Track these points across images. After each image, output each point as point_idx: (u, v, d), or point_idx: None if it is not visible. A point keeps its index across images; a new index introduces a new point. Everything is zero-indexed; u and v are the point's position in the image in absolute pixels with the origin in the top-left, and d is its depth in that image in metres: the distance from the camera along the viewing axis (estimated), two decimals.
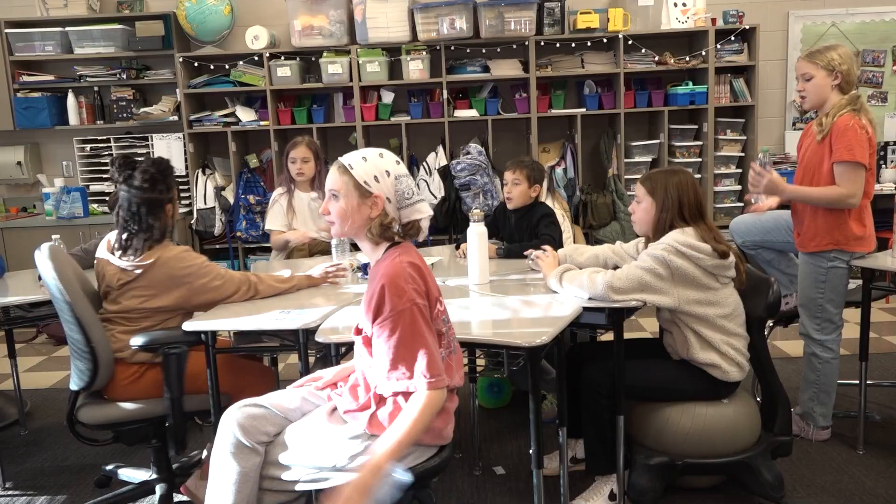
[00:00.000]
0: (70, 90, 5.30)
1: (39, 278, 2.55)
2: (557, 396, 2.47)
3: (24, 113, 5.21)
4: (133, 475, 2.80)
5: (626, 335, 2.51)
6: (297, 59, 5.12)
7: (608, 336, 2.58)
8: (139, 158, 2.53)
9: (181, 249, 2.53)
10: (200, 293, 2.50)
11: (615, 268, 2.76)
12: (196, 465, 2.91)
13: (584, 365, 2.66)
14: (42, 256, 2.34)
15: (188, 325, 2.37)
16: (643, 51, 5.09)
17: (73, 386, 2.46)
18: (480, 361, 3.03)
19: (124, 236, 2.48)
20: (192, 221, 5.20)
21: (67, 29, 5.18)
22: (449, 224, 5.12)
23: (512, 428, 3.35)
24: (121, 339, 2.45)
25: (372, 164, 1.87)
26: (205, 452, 2.91)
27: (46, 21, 5.22)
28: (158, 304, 2.47)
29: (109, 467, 2.90)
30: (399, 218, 1.89)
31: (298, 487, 1.87)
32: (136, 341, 2.36)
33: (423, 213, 1.91)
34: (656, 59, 5.09)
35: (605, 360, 2.59)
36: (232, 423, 1.88)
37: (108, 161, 5.27)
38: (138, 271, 2.45)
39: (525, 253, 2.96)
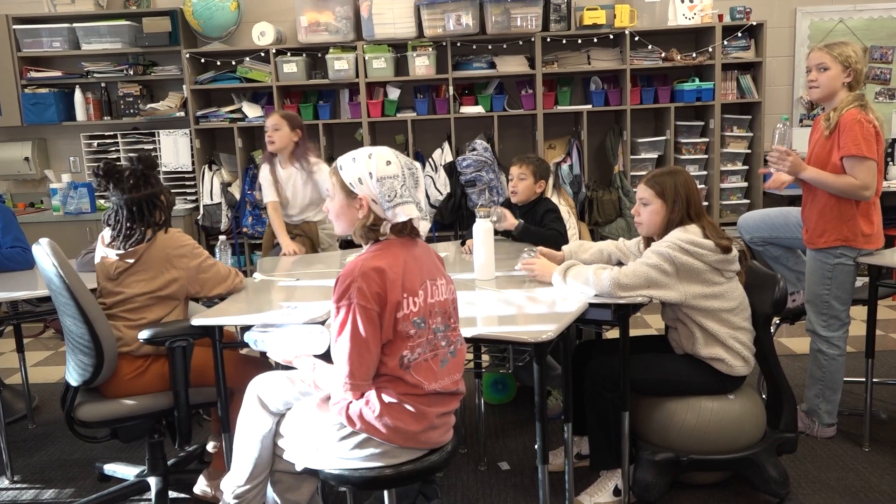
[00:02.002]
0: (77, 86, 5.32)
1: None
2: (563, 392, 2.47)
3: (31, 109, 5.23)
4: (127, 472, 2.83)
5: (632, 332, 2.51)
6: (304, 55, 5.13)
7: (613, 333, 2.59)
8: (119, 163, 2.54)
9: (174, 231, 2.57)
10: (197, 273, 2.54)
11: (619, 263, 2.78)
12: (191, 460, 2.94)
13: (590, 361, 2.67)
14: (42, 250, 2.34)
15: (196, 320, 2.38)
16: (649, 47, 5.07)
17: (73, 381, 2.43)
18: (485, 357, 3.04)
19: (126, 233, 2.49)
20: (199, 217, 5.22)
21: (75, 25, 5.20)
22: (455, 220, 5.12)
23: (517, 424, 3.36)
24: (126, 334, 2.46)
25: (358, 165, 1.90)
26: (210, 445, 2.93)
27: (54, 17, 5.24)
28: (156, 285, 2.48)
29: (103, 465, 2.90)
30: (389, 218, 1.91)
31: (286, 457, 2.04)
32: (143, 335, 2.37)
33: (409, 214, 1.90)
34: (663, 55, 5.08)
35: (609, 356, 2.60)
36: (254, 391, 2.12)
37: (115, 156, 5.28)
38: (132, 259, 2.47)
39: (517, 267, 2.89)
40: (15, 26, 5.18)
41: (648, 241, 2.65)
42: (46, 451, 3.30)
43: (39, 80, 5.30)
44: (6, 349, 4.66)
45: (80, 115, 5.33)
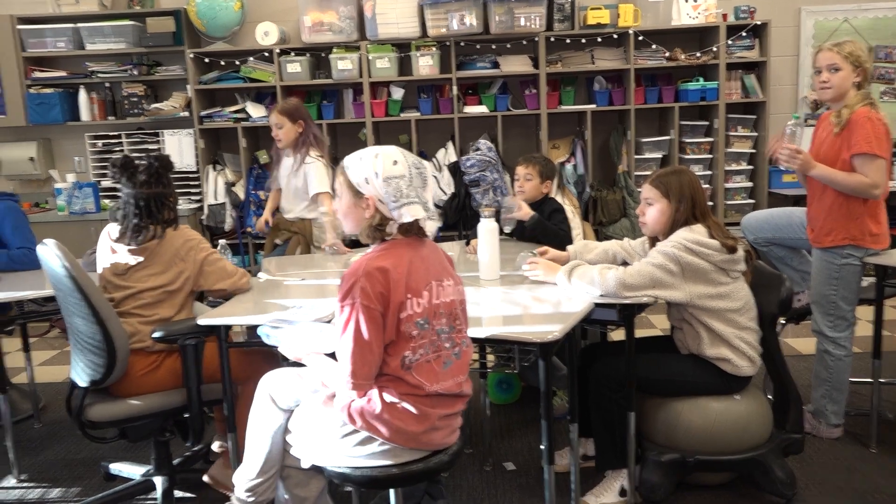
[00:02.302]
0: (82, 86, 5.33)
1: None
2: (568, 392, 2.47)
3: (36, 109, 5.24)
4: (133, 471, 2.84)
5: (637, 332, 2.51)
6: (307, 54, 5.13)
7: (618, 335, 2.58)
8: (137, 159, 2.59)
9: (183, 226, 2.63)
10: (203, 265, 2.58)
11: (624, 263, 2.77)
12: (196, 459, 2.95)
13: (595, 362, 2.66)
14: (49, 250, 2.34)
15: (203, 320, 2.39)
16: (653, 47, 5.06)
17: (82, 381, 2.43)
18: (490, 357, 3.03)
19: (134, 227, 2.52)
20: (203, 217, 5.22)
21: (79, 25, 5.20)
22: (459, 220, 5.12)
23: (522, 424, 3.36)
24: (141, 329, 2.48)
25: (364, 165, 1.90)
26: (215, 444, 2.93)
27: (58, 17, 5.25)
28: (166, 280, 2.52)
29: (109, 465, 2.92)
30: (395, 218, 1.91)
31: (293, 453, 2.07)
32: (156, 334, 2.40)
33: (416, 215, 1.90)
34: (667, 54, 5.07)
35: (614, 356, 2.60)
36: (265, 387, 2.16)
37: (114, 157, 5.28)
38: (142, 256, 2.51)
39: (521, 267, 2.88)
40: (19, 26, 5.19)
41: (653, 241, 2.65)
42: (52, 451, 3.30)
43: (44, 80, 5.30)
44: (12, 349, 4.66)
45: (85, 115, 5.34)
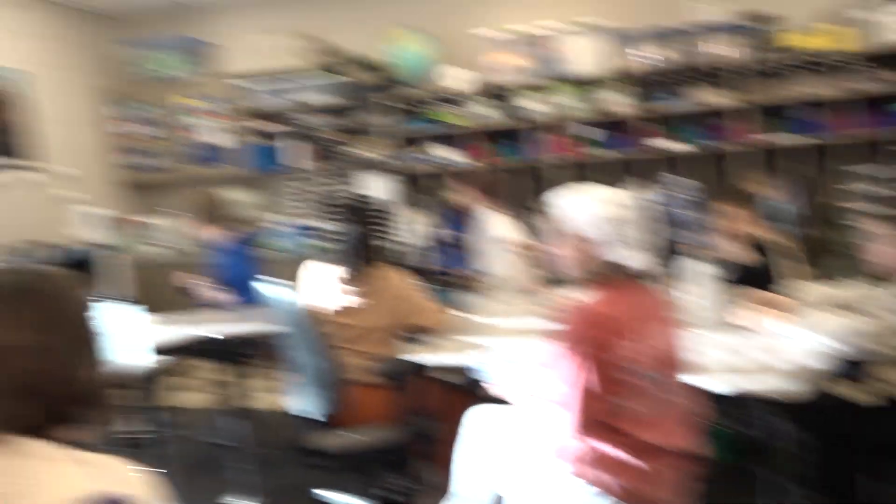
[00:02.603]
0: (289, 135, 5.81)
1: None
2: (793, 452, 2.28)
3: (251, 157, 5.82)
4: (343, 500, 2.95)
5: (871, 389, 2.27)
6: (497, 97, 5.25)
7: (851, 390, 2.35)
8: (351, 198, 2.79)
9: (387, 265, 2.77)
10: (408, 302, 2.70)
11: (857, 311, 2.53)
12: (402, 493, 3.00)
13: (825, 418, 2.44)
14: (286, 290, 2.57)
15: (411, 356, 2.48)
16: (865, 70, 4.65)
17: (308, 413, 2.60)
18: (715, 412, 2.87)
19: (354, 266, 2.70)
20: (399, 258, 5.44)
21: (285, 79, 5.72)
22: (657, 261, 4.95)
23: (742, 483, 3.10)
24: (352, 364, 2.61)
25: (582, 206, 1.90)
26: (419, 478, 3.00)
27: (267, 72, 5.77)
28: (374, 315, 2.65)
29: (321, 491, 3.05)
30: (610, 260, 1.87)
31: (504, 494, 2.04)
32: (376, 368, 2.53)
33: (633, 257, 1.87)
34: (882, 77, 4.63)
35: (851, 415, 2.36)
36: (473, 424, 2.19)
37: (326, 201, 5.70)
38: (362, 296, 2.65)
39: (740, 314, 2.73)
40: (235, 81, 5.82)
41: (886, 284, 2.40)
42: (269, 475, 3.51)
43: (256, 131, 5.85)
44: (236, 378, 5.06)
45: (294, 162, 5.80)
